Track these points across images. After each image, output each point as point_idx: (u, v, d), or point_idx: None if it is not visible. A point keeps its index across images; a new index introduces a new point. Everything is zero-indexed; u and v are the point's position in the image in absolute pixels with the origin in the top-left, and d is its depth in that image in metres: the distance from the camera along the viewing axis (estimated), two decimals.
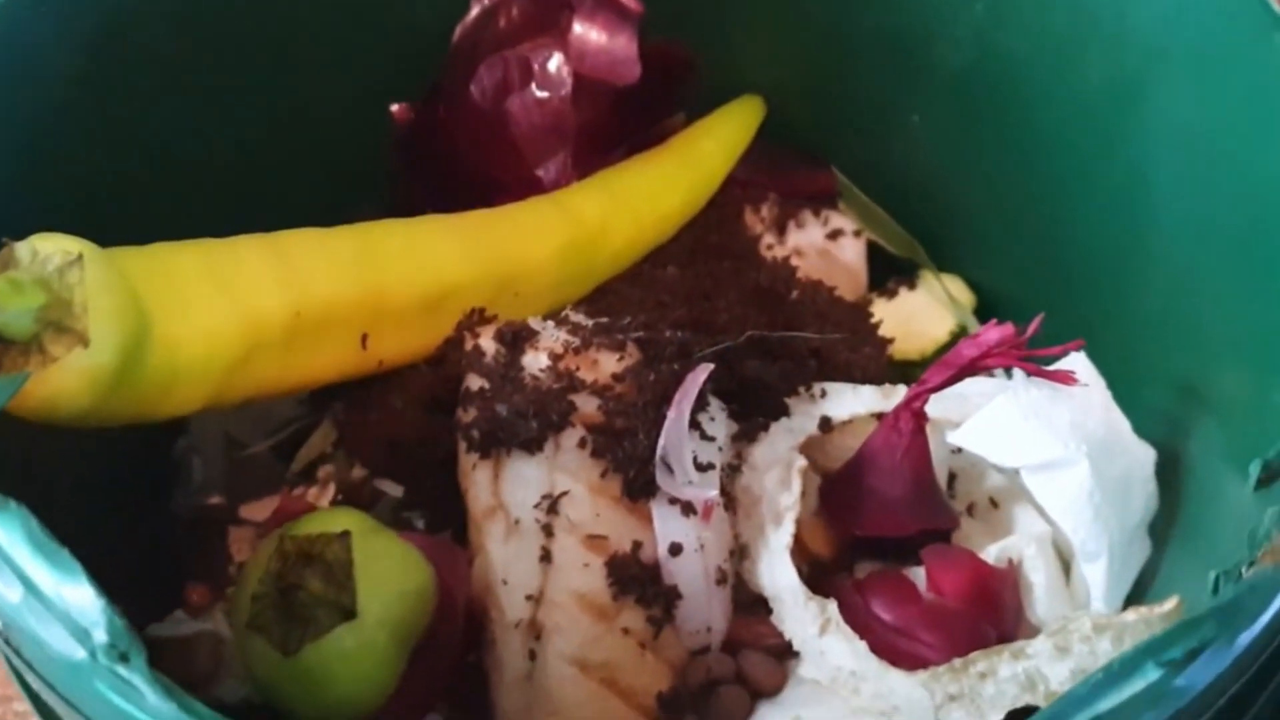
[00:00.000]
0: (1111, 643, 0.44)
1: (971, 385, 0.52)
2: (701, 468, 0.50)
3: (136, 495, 0.61)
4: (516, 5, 0.62)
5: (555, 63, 0.61)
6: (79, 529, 0.53)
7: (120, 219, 0.53)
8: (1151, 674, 0.34)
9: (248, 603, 0.47)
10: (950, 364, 0.50)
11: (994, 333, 0.49)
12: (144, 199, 0.55)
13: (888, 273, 0.70)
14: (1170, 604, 0.44)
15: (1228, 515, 0.50)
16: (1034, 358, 0.50)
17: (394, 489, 0.54)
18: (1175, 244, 0.55)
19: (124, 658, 0.33)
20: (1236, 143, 0.51)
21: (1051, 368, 0.51)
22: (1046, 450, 0.50)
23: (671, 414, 0.49)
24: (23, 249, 0.41)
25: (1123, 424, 0.53)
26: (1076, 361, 0.53)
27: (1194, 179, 0.54)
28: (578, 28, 0.61)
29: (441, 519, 0.53)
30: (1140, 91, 0.55)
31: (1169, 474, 0.54)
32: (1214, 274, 0.53)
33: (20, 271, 0.41)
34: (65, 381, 0.40)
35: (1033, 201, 0.63)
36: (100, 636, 0.33)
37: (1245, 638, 0.35)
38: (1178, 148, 0.54)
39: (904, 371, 0.65)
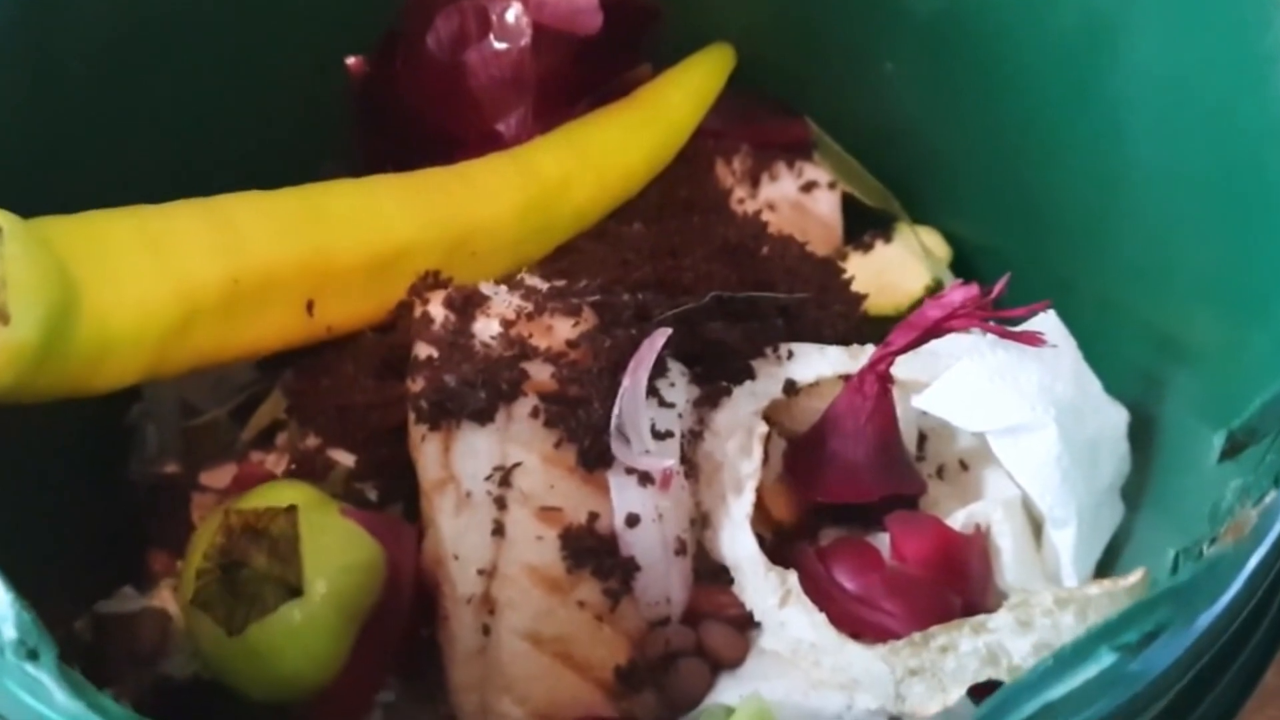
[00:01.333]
0: (1074, 617, 0.43)
1: (942, 344, 0.50)
2: (660, 435, 0.48)
3: (91, 463, 0.59)
4: None
5: (514, 12, 0.59)
6: (30, 499, 0.53)
7: (54, 184, 0.51)
8: (1105, 659, 0.33)
9: (193, 579, 0.46)
10: (915, 325, 0.49)
11: (959, 293, 0.48)
12: (80, 163, 0.53)
13: (863, 225, 0.68)
14: (1135, 576, 0.43)
15: (1197, 485, 0.49)
16: (1001, 319, 0.49)
17: (346, 458, 0.53)
18: (1151, 192, 0.54)
19: (33, 655, 0.32)
20: (1210, 87, 0.50)
21: (1020, 328, 0.50)
22: (1013, 413, 0.49)
23: (626, 381, 0.47)
24: None
25: (1093, 384, 0.52)
26: (1046, 321, 0.51)
27: (1168, 124, 0.52)
28: None
29: (394, 489, 0.51)
30: (1113, 34, 0.53)
31: (1143, 434, 0.52)
32: (1189, 222, 0.52)
33: None
34: None
35: (1008, 151, 0.61)
36: (9, 633, 0.32)
37: (1204, 619, 0.34)
38: (1151, 92, 0.53)
39: (879, 327, 0.63)
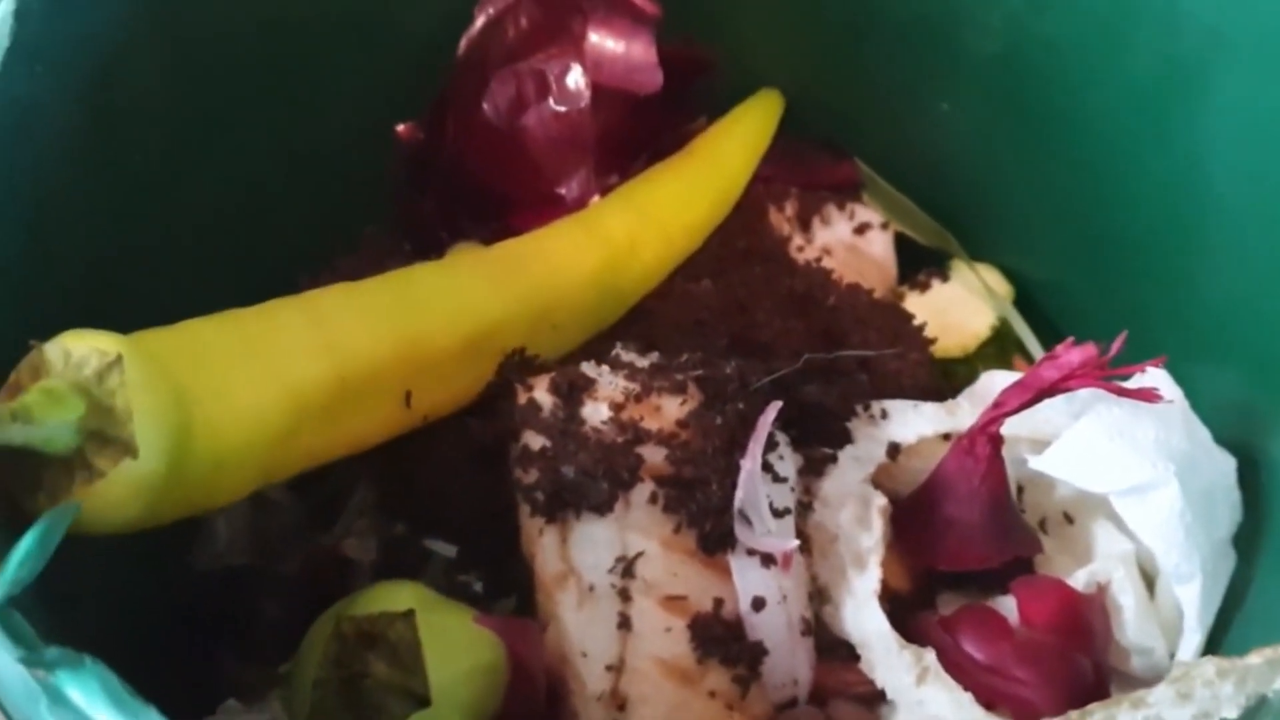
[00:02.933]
0: (1234, 686, 0.42)
1: None
2: (778, 513, 0.47)
3: (160, 553, 0.57)
4: (524, 13, 0.59)
5: (573, 75, 0.57)
6: (101, 590, 0.51)
7: (129, 276, 0.50)
8: None
9: (308, 691, 0.44)
10: (1029, 386, 0.48)
11: (1076, 354, 0.47)
12: (152, 251, 0.52)
13: (917, 263, 0.67)
14: None
15: None
16: (1115, 376, 0.48)
17: (445, 549, 0.51)
18: (1238, 230, 0.53)
19: None
20: None
21: (1132, 383, 0.49)
22: (1135, 472, 0.48)
23: (746, 464, 0.46)
24: (54, 351, 0.38)
25: (1203, 434, 0.51)
26: (1155, 376, 0.51)
27: (1260, 167, 0.52)
28: (593, 36, 0.57)
29: (501, 580, 0.50)
30: (1197, 78, 0.53)
31: (1249, 477, 0.52)
32: (1276, 262, 0.51)
33: (55, 379, 0.37)
34: (113, 495, 0.37)
35: (1077, 188, 0.60)
36: None
37: None
38: (1236, 134, 0.52)
39: (946, 370, 0.62)
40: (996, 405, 0.49)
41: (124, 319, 0.46)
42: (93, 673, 0.32)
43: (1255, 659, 0.42)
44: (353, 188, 0.61)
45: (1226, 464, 0.51)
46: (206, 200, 0.55)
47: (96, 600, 0.50)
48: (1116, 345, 0.47)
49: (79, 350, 0.38)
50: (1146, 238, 0.58)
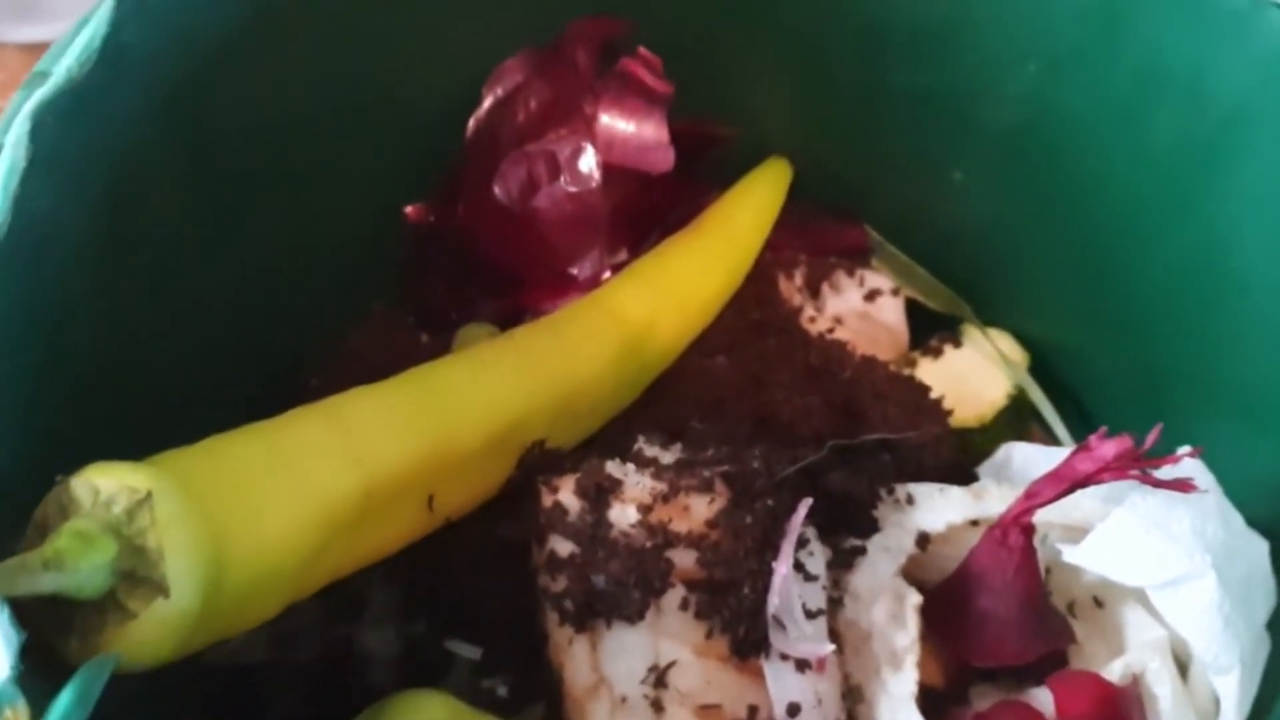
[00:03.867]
0: None
1: None
2: (811, 615, 0.47)
3: None
4: (534, 92, 0.58)
5: (585, 159, 0.57)
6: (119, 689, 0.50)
7: (143, 375, 0.49)
8: None
9: None
10: (1063, 478, 0.47)
11: (1110, 447, 0.46)
12: (163, 348, 0.51)
13: (928, 329, 0.67)
14: None
15: None
16: (1150, 468, 0.47)
17: (470, 651, 0.50)
18: (1262, 309, 0.53)
19: None
20: None
21: (1166, 472, 0.48)
22: (1172, 565, 0.48)
23: (780, 569, 0.45)
24: (81, 489, 0.37)
25: (1237, 521, 0.50)
26: (1189, 465, 0.50)
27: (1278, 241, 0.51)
28: (604, 117, 0.57)
29: (527, 685, 0.49)
30: (1220, 155, 0.52)
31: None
32: None
33: (85, 519, 0.36)
34: (146, 635, 0.36)
35: (1093, 257, 0.60)
36: None
37: None
38: (1260, 210, 0.52)
39: (962, 440, 0.62)
40: (1029, 496, 0.48)
41: (139, 418, 0.45)
42: None
43: None
44: (362, 268, 0.61)
45: (1260, 549, 0.50)
46: (217, 292, 0.54)
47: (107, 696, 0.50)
48: (1151, 438, 0.47)
49: (107, 486, 0.37)
50: (1166, 307, 0.57)
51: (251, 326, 0.56)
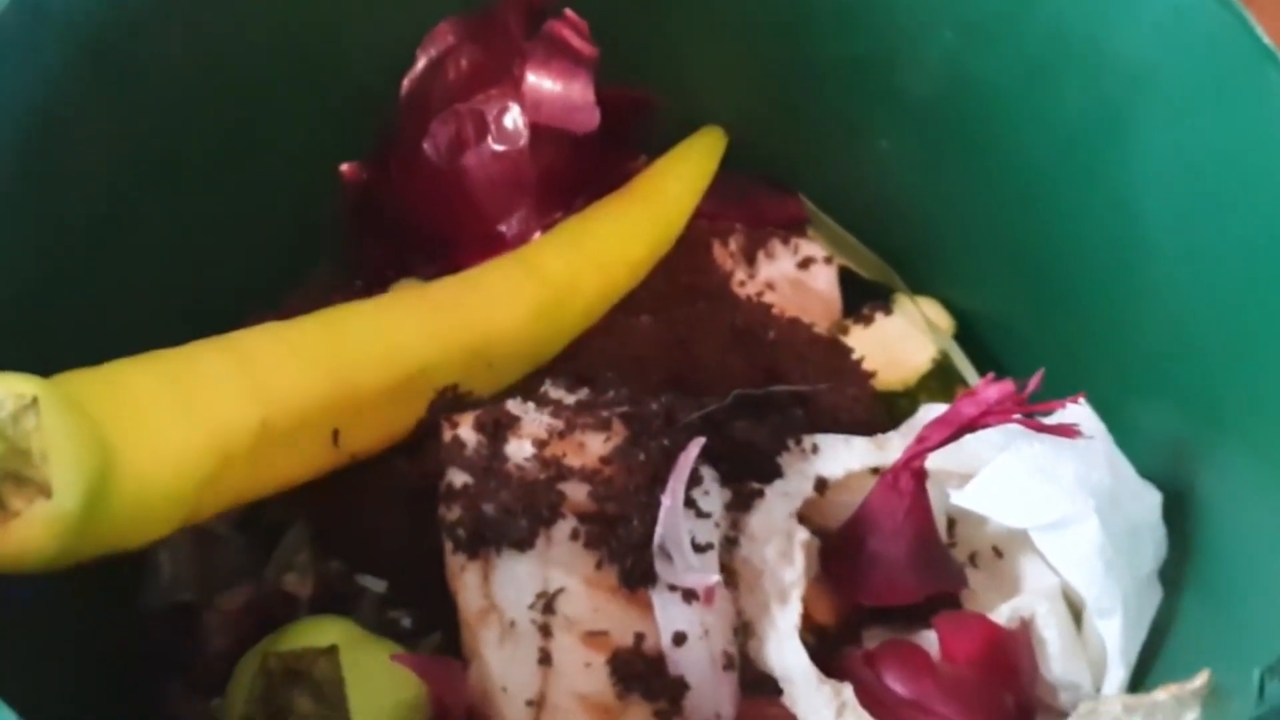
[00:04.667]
0: None
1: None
2: (700, 548, 0.48)
3: (104, 591, 0.58)
4: (465, 55, 0.60)
5: (511, 116, 0.58)
6: (46, 630, 0.51)
7: (66, 319, 0.51)
8: None
9: None
10: (949, 422, 0.49)
11: (994, 390, 0.48)
12: (91, 294, 0.52)
13: (861, 297, 0.68)
14: (1200, 680, 0.42)
15: (1241, 549, 0.49)
16: (1035, 413, 0.48)
17: (376, 584, 0.51)
18: (1168, 269, 0.54)
19: None
20: (1228, 173, 0.49)
21: (1053, 418, 0.50)
22: (1054, 508, 0.49)
23: (667, 501, 0.47)
24: None
25: (1127, 469, 0.52)
26: (1078, 412, 0.51)
27: (1185, 207, 0.52)
28: (531, 77, 0.58)
29: (429, 616, 0.50)
30: (1123, 120, 0.53)
31: (1175, 512, 0.52)
32: (1211, 298, 0.52)
33: None
34: (29, 534, 0.38)
35: (1012, 225, 0.61)
36: None
37: None
38: (1166, 175, 0.53)
39: (887, 402, 0.63)
40: (919, 441, 0.49)
41: (58, 361, 0.46)
42: None
43: (1162, 695, 0.42)
44: (301, 228, 0.62)
45: (1151, 499, 0.52)
46: (150, 243, 0.55)
47: (40, 642, 0.51)
48: (1033, 382, 0.48)
49: None
50: (1081, 273, 0.58)
51: (187, 282, 0.57)
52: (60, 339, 0.49)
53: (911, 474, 0.50)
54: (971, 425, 0.48)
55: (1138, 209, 0.54)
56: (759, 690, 0.49)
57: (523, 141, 0.58)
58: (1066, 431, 0.49)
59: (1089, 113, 0.54)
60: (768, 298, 0.65)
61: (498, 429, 0.49)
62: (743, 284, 0.66)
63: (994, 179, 0.60)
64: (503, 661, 0.46)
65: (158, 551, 0.58)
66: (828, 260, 0.68)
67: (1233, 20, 0.47)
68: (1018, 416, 0.48)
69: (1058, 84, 0.55)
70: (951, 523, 0.55)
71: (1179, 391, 0.54)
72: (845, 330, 0.67)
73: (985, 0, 0.55)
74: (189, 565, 0.58)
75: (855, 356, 0.62)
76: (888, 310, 0.67)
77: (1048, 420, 0.50)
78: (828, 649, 0.50)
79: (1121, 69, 0.52)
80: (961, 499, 0.50)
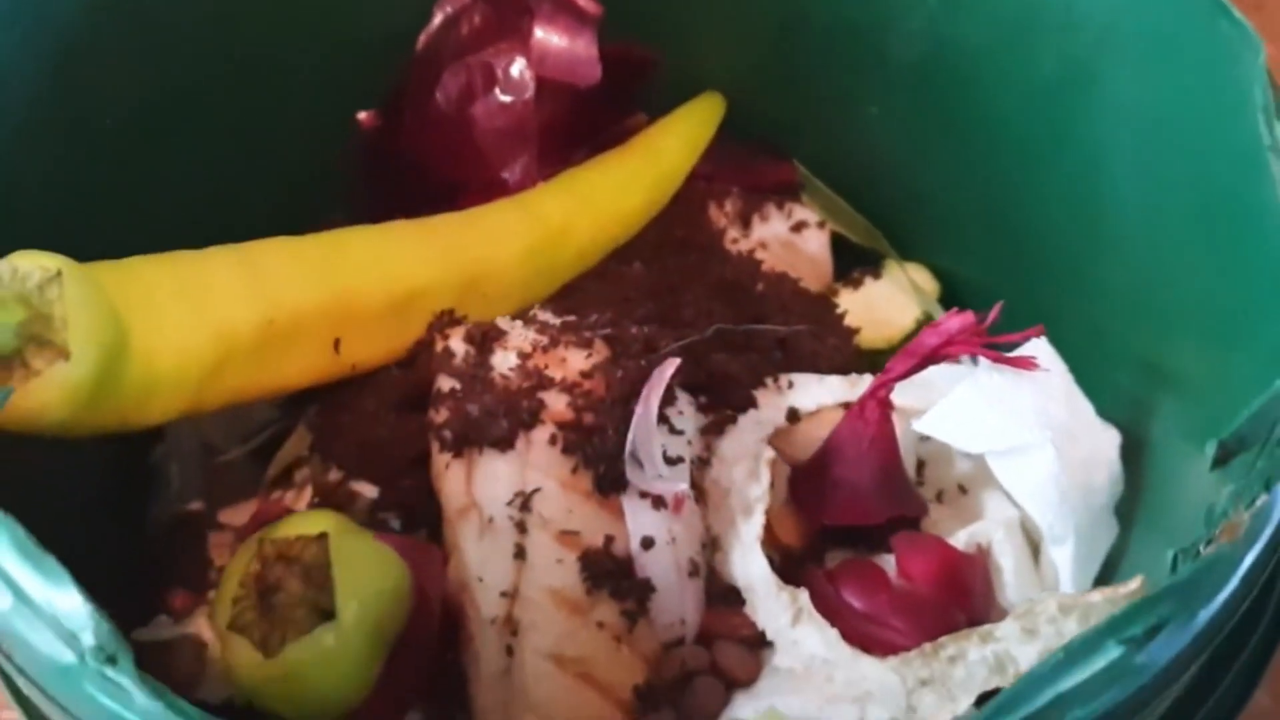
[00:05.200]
0: (1078, 623, 0.45)
1: (936, 373, 0.53)
2: (671, 461, 0.51)
3: (113, 504, 0.61)
4: (478, 12, 0.63)
5: (518, 67, 0.61)
6: (54, 542, 0.54)
7: (87, 235, 0.53)
8: (1112, 651, 0.35)
9: (229, 605, 0.48)
10: (913, 353, 0.51)
11: (955, 321, 0.50)
12: (110, 215, 0.55)
13: (852, 263, 0.71)
14: (1134, 584, 0.45)
15: (1189, 495, 0.51)
16: (995, 344, 0.51)
17: (369, 490, 0.54)
18: (1133, 224, 0.56)
19: (112, 660, 0.34)
20: (1185, 123, 0.52)
21: (1013, 354, 0.52)
22: (1011, 435, 0.51)
23: (639, 409, 0.49)
24: (1, 266, 0.42)
25: (1085, 407, 0.54)
26: (1038, 347, 0.54)
27: (1147, 161, 0.55)
28: (538, 31, 0.61)
29: (416, 519, 0.53)
30: (1091, 76, 0.56)
31: (1134, 456, 0.55)
32: (1172, 252, 0.54)
33: (0, 288, 0.42)
34: (47, 394, 0.41)
35: (991, 188, 0.64)
36: (88, 640, 0.34)
37: (1204, 615, 0.36)
38: (1130, 129, 0.55)
39: (871, 360, 0.65)
40: (885, 371, 0.52)
41: None
42: (3, 524, 0.36)
43: (1096, 597, 0.45)
44: (317, 175, 0.65)
45: (1109, 437, 0.54)
46: (169, 178, 0.59)
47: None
48: (993, 313, 0.51)
49: (24, 266, 0.42)
50: (1055, 235, 0.61)
51: (203, 222, 0.60)
52: (84, 243, 0.53)
53: (877, 403, 0.52)
54: (934, 355, 0.51)
55: (1104, 163, 0.56)
56: (724, 603, 0.52)
57: (528, 93, 0.62)
58: (1023, 363, 0.51)
59: (1060, 72, 0.57)
60: (759, 257, 0.67)
61: (485, 340, 0.52)
62: (735, 242, 0.68)
63: (974, 143, 0.63)
64: (480, 554, 0.49)
65: (168, 464, 0.61)
66: (820, 225, 0.70)
67: None
68: (979, 348, 0.50)
69: (1031, 45, 0.57)
70: (921, 464, 0.57)
71: (1138, 343, 0.56)
72: (834, 293, 0.69)
73: None
74: (196, 478, 0.61)
75: (839, 311, 0.65)
76: (876, 275, 0.70)
77: (1008, 355, 0.52)
78: (791, 567, 0.53)
79: (1089, 27, 0.55)
80: (922, 425, 0.53)
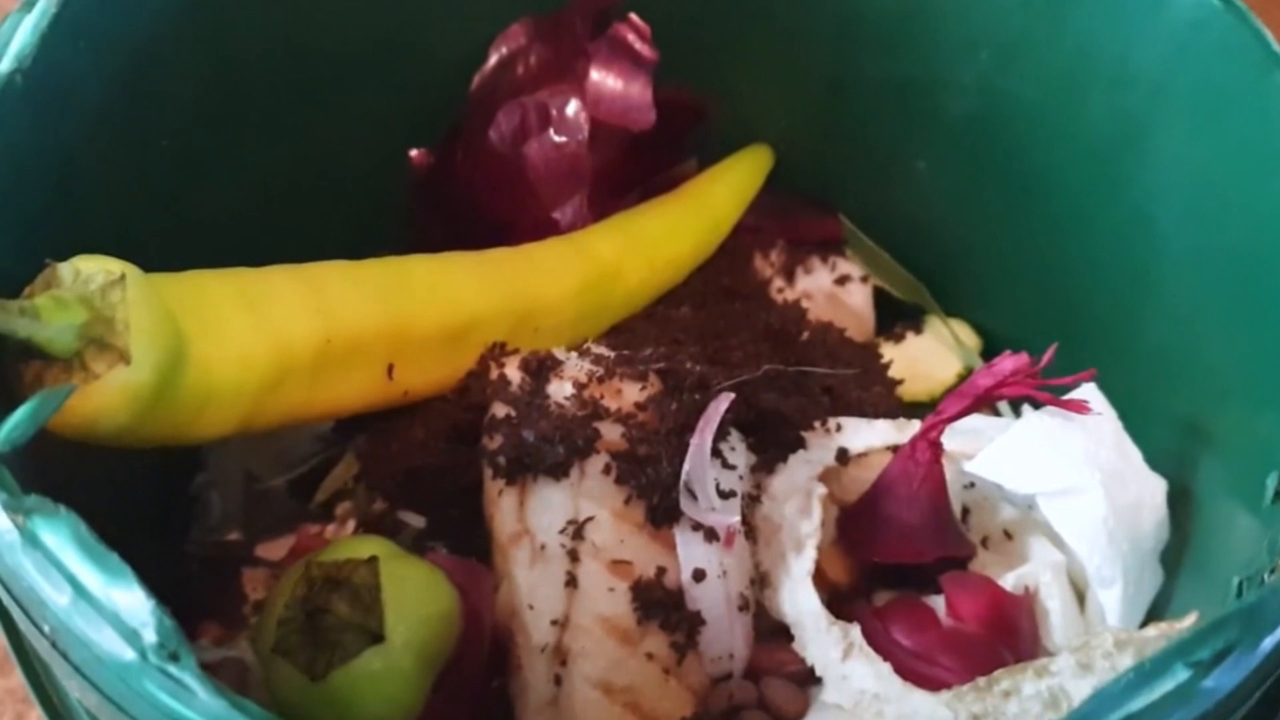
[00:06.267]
0: (1133, 658, 0.45)
1: (984, 421, 0.53)
2: (724, 494, 0.51)
3: (152, 531, 0.61)
4: (534, 53, 0.64)
5: (573, 108, 0.62)
6: None
7: (147, 252, 0.54)
8: (1181, 674, 0.35)
9: (274, 627, 0.48)
10: (966, 394, 0.51)
11: (1009, 362, 0.50)
12: (170, 235, 0.55)
13: (894, 318, 0.71)
14: (1189, 620, 0.45)
15: (1236, 545, 0.51)
16: (1047, 387, 0.51)
17: (416, 520, 0.55)
18: (1178, 281, 0.57)
19: (174, 657, 0.34)
20: (1236, 180, 0.52)
21: (1064, 397, 0.52)
22: (1061, 477, 0.51)
23: (695, 440, 0.50)
24: (65, 269, 0.42)
25: (1134, 453, 0.54)
26: (1088, 392, 0.54)
27: (1195, 216, 0.55)
28: (594, 74, 0.62)
29: (463, 548, 0.53)
30: (1142, 131, 0.56)
31: (1178, 507, 0.55)
32: (1216, 310, 0.55)
33: (64, 290, 0.42)
34: (106, 398, 0.41)
35: (1037, 243, 0.64)
36: (150, 636, 0.34)
37: (1269, 641, 0.36)
38: (1179, 186, 0.56)
39: (913, 413, 0.65)
40: (937, 412, 0.52)
41: None
42: (66, 520, 0.36)
43: (1151, 632, 0.45)
44: (371, 209, 0.66)
45: (1156, 484, 0.54)
46: (228, 202, 0.59)
47: None
48: (1048, 355, 0.51)
49: (87, 269, 0.42)
50: (1100, 292, 0.61)
51: (259, 249, 0.61)
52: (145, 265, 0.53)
53: (929, 444, 0.52)
54: (987, 396, 0.51)
55: (1152, 218, 0.57)
56: (773, 639, 0.52)
57: (582, 134, 0.62)
58: (1076, 406, 0.51)
59: (1112, 126, 0.57)
60: (804, 306, 0.68)
61: (541, 369, 0.52)
62: (780, 291, 0.69)
63: (1021, 197, 0.64)
64: (531, 581, 0.49)
65: (209, 492, 0.61)
66: (864, 279, 0.71)
67: (1244, 29, 0.51)
68: (1032, 390, 0.51)
69: (1082, 100, 0.58)
70: (965, 511, 0.57)
71: (1185, 392, 0.56)
72: (876, 347, 0.70)
73: (1021, 20, 0.59)
74: (237, 508, 0.61)
75: (884, 361, 0.66)
76: (918, 330, 0.70)
77: (1061, 399, 0.52)
78: (839, 606, 0.52)
79: (1143, 80, 0.55)
80: (974, 466, 0.53)
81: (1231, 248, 0.53)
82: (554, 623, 0.49)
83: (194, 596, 0.60)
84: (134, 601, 0.35)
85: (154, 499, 0.60)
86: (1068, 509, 0.51)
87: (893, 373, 0.66)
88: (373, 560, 0.48)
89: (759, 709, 0.50)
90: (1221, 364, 0.55)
